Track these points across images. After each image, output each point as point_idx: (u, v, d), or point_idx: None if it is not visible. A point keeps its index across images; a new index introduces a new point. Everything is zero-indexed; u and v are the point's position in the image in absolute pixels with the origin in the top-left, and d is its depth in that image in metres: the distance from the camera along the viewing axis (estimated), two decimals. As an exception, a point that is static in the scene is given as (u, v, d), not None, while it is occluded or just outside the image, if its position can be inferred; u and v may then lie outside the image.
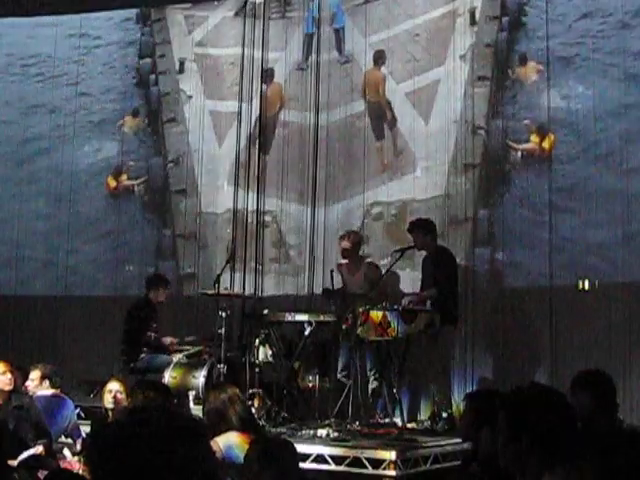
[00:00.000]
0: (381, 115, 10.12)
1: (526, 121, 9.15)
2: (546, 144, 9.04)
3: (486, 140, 9.47)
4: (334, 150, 10.22)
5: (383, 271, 8.33)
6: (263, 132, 10.55)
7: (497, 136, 9.41)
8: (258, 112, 10.53)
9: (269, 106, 10.64)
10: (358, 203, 10.01)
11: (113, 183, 11.34)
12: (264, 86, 10.63)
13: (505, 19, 9.58)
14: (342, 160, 10.19)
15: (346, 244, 8.64)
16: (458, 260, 8.84)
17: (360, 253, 8.94)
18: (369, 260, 8.98)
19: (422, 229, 8.17)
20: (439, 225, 9.06)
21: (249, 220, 10.35)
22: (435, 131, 9.70)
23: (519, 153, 9.20)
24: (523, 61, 9.36)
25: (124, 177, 11.31)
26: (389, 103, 10.07)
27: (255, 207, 10.31)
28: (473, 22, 9.74)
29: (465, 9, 9.77)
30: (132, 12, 11.72)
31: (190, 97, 11.22)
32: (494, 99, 9.48)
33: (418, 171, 9.79)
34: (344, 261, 8.79)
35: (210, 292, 8.30)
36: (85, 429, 6.80)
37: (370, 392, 8.09)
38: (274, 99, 10.74)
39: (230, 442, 5.02)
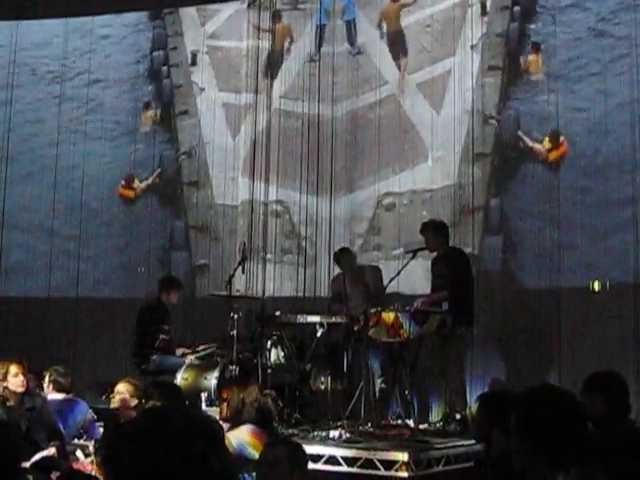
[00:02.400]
0: (397, 41, 10.26)
1: (547, 134, 9.10)
2: (554, 155, 9.02)
3: (498, 130, 9.47)
4: (346, 141, 10.25)
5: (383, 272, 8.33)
6: (273, 67, 10.84)
7: (509, 126, 9.41)
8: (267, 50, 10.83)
9: (277, 43, 10.84)
10: (370, 193, 10.05)
11: (130, 193, 11.37)
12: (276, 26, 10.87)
13: (516, 9, 9.56)
14: (354, 151, 10.22)
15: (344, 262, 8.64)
16: (469, 249, 8.86)
17: (371, 244, 8.97)
18: (370, 265, 8.92)
19: (434, 230, 8.08)
20: (450, 214, 9.11)
21: (261, 211, 10.42)
22: (446, 121, 9.71)
23: (528, 149, 9.21)
24: (534, 51, 9.34)
25: (137, 182, 11.35)
26: (403, 32, 10.23)
27: (266, 198, 10.40)
28: (484, 12, 9.72)
29: (476, -1, 9.77)
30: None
31: (202, 89, 11.26)
32: (505, 89, 9.49)
33: (429, 161, 9.82)
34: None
35: (222, 293, 8.32)
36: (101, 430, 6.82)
37: (382, 393, 8.04)
38: (282, 36, 10.93)
39: (241, 439, 5.10)
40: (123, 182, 11.41)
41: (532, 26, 9.45)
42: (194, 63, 11.42)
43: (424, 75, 10.02)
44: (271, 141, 10.53)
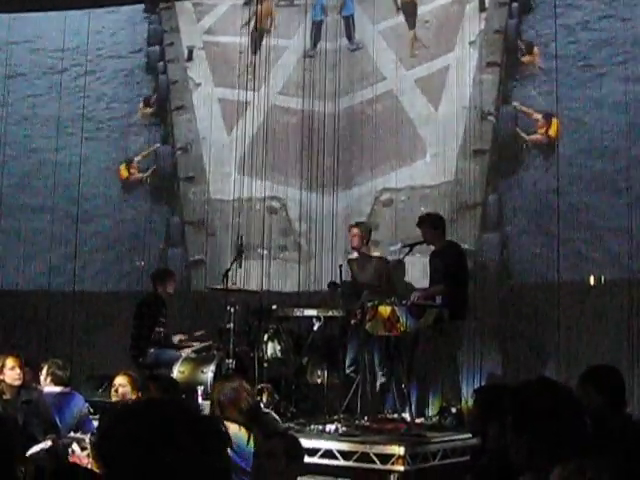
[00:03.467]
0: (411, 10, 10.22)
1: (538, 115, 9.11)
2: (552, 131, 9.03)
3: (496, 126, 9.46)
4: (344, 137, 10.22)
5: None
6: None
7: (506, 122, 9.41)
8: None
9: (261, 23, 10.89)
10: (367, 190, 10.02)
11: (125, 173, 11.34)
12: (258, 6, 10.87)
13: (514, 5, 9.56)
14: (351, 147, 10.19)
15: (356, 231, 8.63)
16: (467, 245, 8.85)
17: (369, 243, 8.96)
18: (379, 255, 8.93)
19: (431, 224, 8.11)
20: (448, 211, 9.10)
21: (257, 207, 10.38)
22: (444, 117, 9.70)
23: (527, 144, 9.20)
24: (530, 48, 9.34)
25: (134, 170, 11.31)
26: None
27: (263, 194, 10.38)
28: (482, 8, 9.73)
29: (475, -5, 9.75)
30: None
31: (199, 85, 11.22)
32: (503, 85, 9.48)
33: (427, 157, 9.80)
34: (354, 256, 8.78)
35: (219, 287, 8.30)
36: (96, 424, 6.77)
37: (378, 387, 8.04)
38: (266, 15, 10.95)
39: (235, 433, 5.03)
40: (125, 160, 11.35)
41: (530, 22, 9.44)
42: (190, 58, 11.38)
43: (422, 71, 10.00)
44: (268, 137, 10.49)
